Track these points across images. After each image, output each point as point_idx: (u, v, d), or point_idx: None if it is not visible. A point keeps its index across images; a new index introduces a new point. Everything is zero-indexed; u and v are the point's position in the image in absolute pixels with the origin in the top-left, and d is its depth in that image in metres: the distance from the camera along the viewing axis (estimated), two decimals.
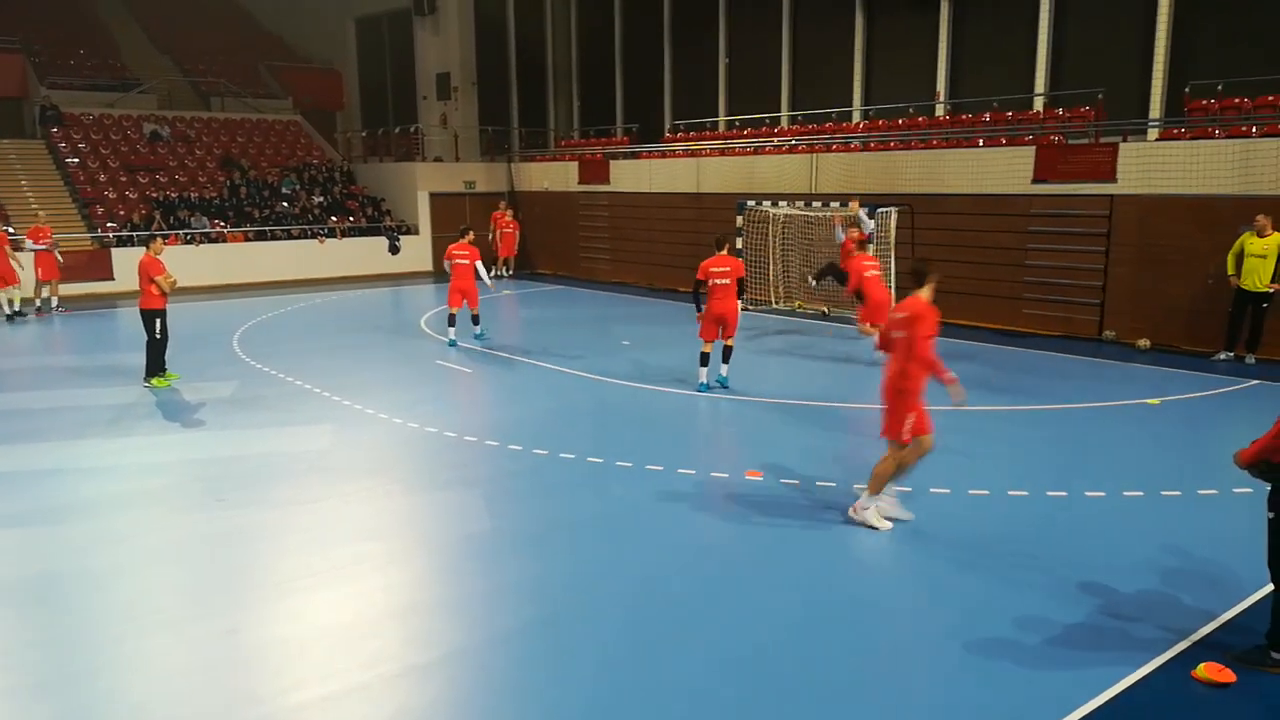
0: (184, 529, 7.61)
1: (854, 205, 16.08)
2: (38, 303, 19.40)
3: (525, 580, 6.58)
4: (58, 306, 19.45)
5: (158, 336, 12.40)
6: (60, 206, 22.91)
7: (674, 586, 6.43)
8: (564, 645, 5.65)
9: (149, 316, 12.30)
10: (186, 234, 23.97)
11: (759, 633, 5.74)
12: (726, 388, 11.91)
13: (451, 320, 15.31)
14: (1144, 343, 14.70)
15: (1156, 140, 15.66)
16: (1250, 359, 13.39)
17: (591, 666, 5.39)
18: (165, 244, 12.93)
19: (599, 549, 7.11)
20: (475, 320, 15.56)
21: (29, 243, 19.28)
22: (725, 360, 12.04)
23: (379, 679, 5.26)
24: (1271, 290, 13.02)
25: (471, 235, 15.51)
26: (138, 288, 12.40)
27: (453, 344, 15.20)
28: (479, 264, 15.10)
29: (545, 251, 27.07)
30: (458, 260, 14.99)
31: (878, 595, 6.28)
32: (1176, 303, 14.62)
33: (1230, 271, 13.34)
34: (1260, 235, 13.00)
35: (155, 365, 12.55)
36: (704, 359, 11.93)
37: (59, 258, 19.73)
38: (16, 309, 18.49)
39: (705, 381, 11.95)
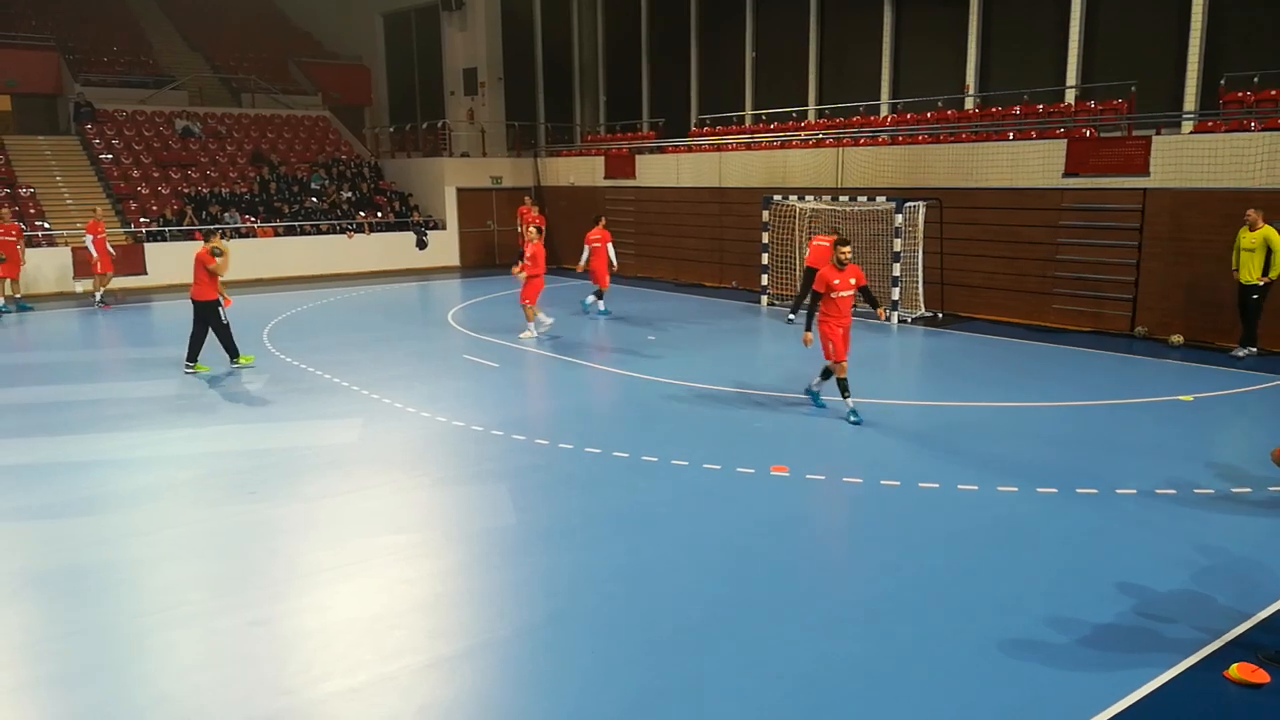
0: (212, 521, 7.69)
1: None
2: (98, 295, 19.79)
3: (551, 573, 6.60)
4: (100, 301, 19.78)
5: (224, 322, 12.89)
6: (94, 202, 23.24)
7: (699, 581, 6.43)
8: (591, 639, 5.66)
9: (208, 307, 12.74)
10: (217, 229, 24.20)
11: (785, 629, 5.72)
12: (823, 406, 10.58)
13: (598, 296, 17.92)
14: (1177, 339, 14.49)
15: (1191, 133, 15.43)
16: (1252, 350, 13.45)
17: (618, 660, 5.40)
18: (224, 240, 13.43)
19: (625, 543, 7.12)
20: (599, 295, 17.82)
21: (89, 237, 19.66)
22: (827, 378, 10.70)
23: (405, 670, 5.29)
24: (1260, 283, 13.08)
25: (604, 221, 17.99)
26: (195, 279, 12.83)
27: (586, 309, 17.92)
28: (610, 246, 17.51)
29: (571, 247, 27.02)
30: (593, 243, 17.38)
31: (907, 594, 6.23)
32: (1210, 298, 14.39)
33: (1234, 266, 13.44)
34: (1251, 229, 13.08)
35: (231, 348, 13.14)
36: (844, 384, 10.48)
37: (111, 251, 20.21)
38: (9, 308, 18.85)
39: (852, 409, 10.42)
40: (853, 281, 10.31)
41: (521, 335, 15.31)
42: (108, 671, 5.35)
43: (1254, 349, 13.48)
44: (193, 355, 13.01)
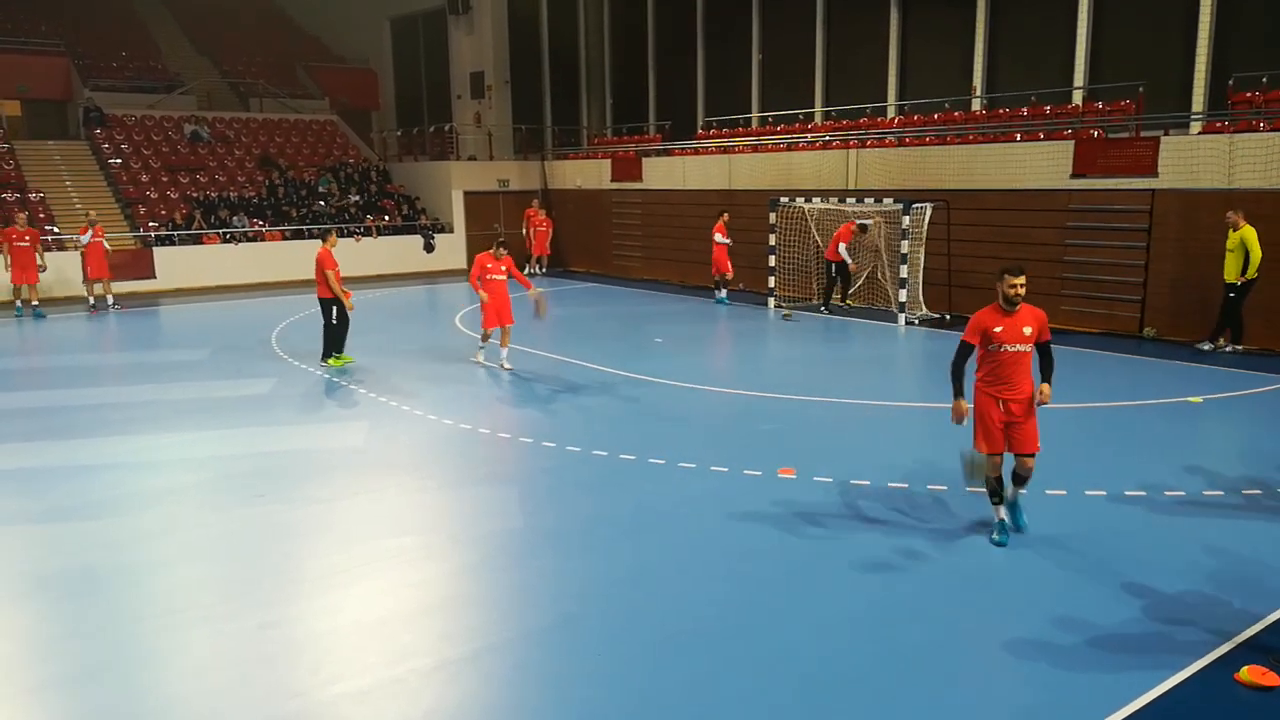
0: (220, 524, 7.72)
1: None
2: (92, 300, 19.82)
3: (558, 576, 6.60)
4: (113, 304, 19.82)
5: (334, 322, 13.43)
6: (103, 206, 23.33)
7: (707, 583, 6.42)
8: (598, 641, 5.66)
9: (325, 304, 13.33)
10: (226, 233, 24.32)
11: (792, 632, 5.71)
12: (1021, 530, 7.11)
13: (716, 285, 20.06)
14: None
15: (1199, 134, 15.37)
16: (1231, 348, 13.65)
17: (625, 663, 5.40)
18: (339, 239, 14.11)
19: (632, 545, 7.12)
20: (724, 284, 19.86)
21: (80, 238, 19.65)
22: (1018, 484, 7.08)
23: (413, 673, 5.30)
24: (1237, 283, 13.32)
25: (726, 217, 19.54)
26: (314, 278, 13.29)
27: (721, 302, 19.85)
28: (718, 235, 19.30)
29: (578, 249, 27.12)
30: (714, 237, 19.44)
31: (914, 596, 6.22)
32: (1219, 299, 14.32)
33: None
34: (1234, 230, 13.30)
35: (330, 347, 13.57)
36: (996, 485, 7.04)
37: (108, 248, 19.97)
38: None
39: (1003, 521, 7.06)
40: (1027, 331, 6.77)
41: (479, 356, 13.83)
42: (117, 674, 5.37)
43: (1223, 344, 13.74)
44: (339, 346, 13.69)
